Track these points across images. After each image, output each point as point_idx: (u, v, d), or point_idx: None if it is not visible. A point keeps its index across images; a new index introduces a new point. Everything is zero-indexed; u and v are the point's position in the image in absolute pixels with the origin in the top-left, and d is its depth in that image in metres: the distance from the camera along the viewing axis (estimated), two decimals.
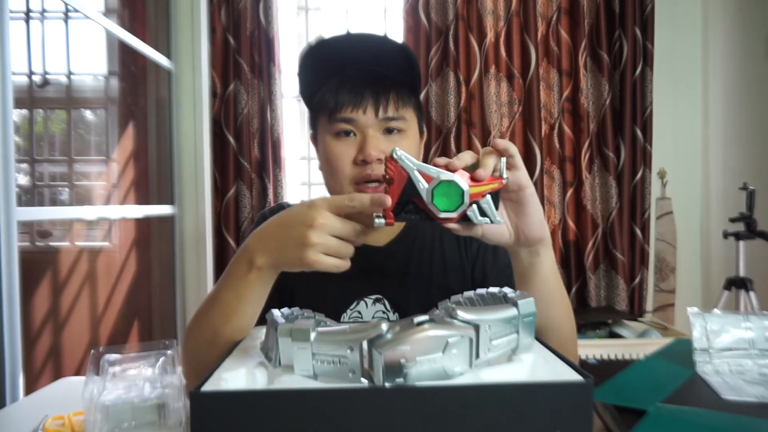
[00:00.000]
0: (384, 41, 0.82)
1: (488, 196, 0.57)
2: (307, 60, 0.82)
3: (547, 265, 0.66)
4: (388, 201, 0.55)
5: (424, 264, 0.86)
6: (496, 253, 0.86)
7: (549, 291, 0.67)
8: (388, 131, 0.79)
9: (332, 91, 0.78)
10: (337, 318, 0.82)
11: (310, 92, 0.85)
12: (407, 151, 0.78)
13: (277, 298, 0.80)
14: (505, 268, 0.83)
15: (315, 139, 0.86)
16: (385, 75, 0.80)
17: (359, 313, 0.83)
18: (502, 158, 0.58)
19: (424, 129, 0.89)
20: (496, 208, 0.58)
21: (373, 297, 0.84)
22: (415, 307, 0.82)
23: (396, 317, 0.83)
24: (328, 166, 0.80)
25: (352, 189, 0.78)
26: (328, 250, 0.59)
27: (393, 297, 0.83)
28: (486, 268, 0.86)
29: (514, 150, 0.59)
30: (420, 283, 0.85)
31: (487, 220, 0.57)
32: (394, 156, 0.55)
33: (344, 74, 0.80)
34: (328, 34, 0.82)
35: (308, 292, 0.82)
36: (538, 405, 0.41)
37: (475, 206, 0.56)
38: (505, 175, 0.58)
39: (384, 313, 0.83)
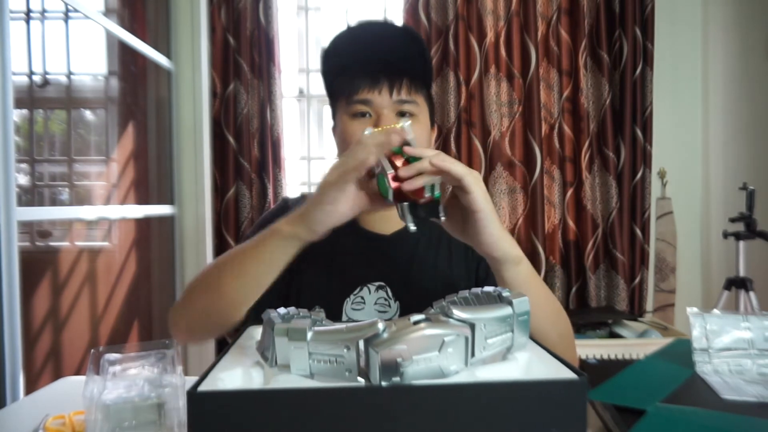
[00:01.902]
0: (401, 34, 0.88)
1: (406, 204, 0.62)
2: (329, 51, 0.88)
3: (518, 281, 0.67)
4: (396, 139, 0.62)
5: (429, 256, 0.88)
6: None
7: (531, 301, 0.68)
8: (401, 114, 0.84)
9: (350, 77, 0.84)
10: (340, 302, 0.84)
11: (331, 81, 0.90)
12: (418, 136, 0.82)
13: (287, 279, 0.83)
14: None
15: (335, 129, 0.91)
16: (400, 64, 0.84)
17: (362, 298, 0.85)
18: (436, 176, 0.62)
19: (435, 123, 0.93)
20: (436, 216, 0.62)
21: (377, 284, 0.85)
22: (416, 296, 0.84)
23: (397, 305, 0.85)
24: (344, 145, 0.84)
25: None
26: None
27: (395, 285, 0.85)
28: (489, 267, 0.86)
29: (459, 172, 0.62)
30: (423, 273, 0.87)
31: (408, 220, 0.62)
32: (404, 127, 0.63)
33: (363, 62, 0.85)
34: (350, 24, 0.90)
35: (314, 275, 0.85)
36: (533, 403, 0.41)
37: (405, 205, 0.61)
38: (434, 193, 0.62)
39: (386, 300, 0.85)
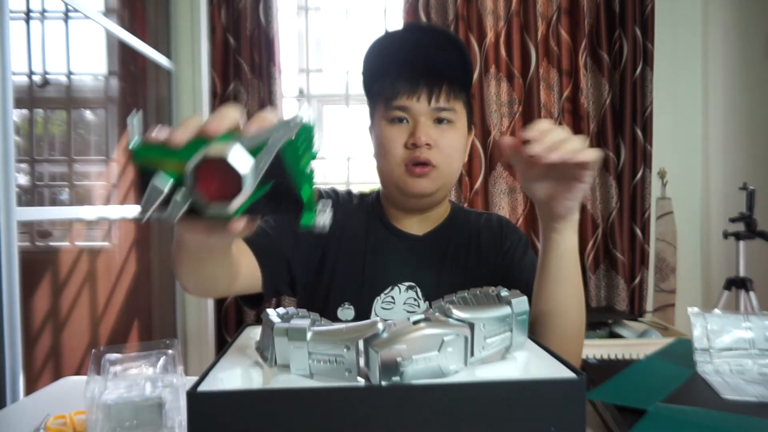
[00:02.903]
0: (442, 38, 0.87)
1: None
2: (371, 53, 0.88)
3: (565, 245, 0.69)
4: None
5: (460, 257, 0.89)
6: (525, 252, 0.90)
7: (563, 271, 0.70)
8: (439, 121, 0.83)
9: (390, 81, 0.84)
10: (371, 300, 0.85)
11: (370, 83, 0.90)
12: (454, 142, 0.84)
13: (315, 281, 0.86)
14: (528, 268, 0.86)
15: (371, 130, 0.91)
16: (440, 70, 0.84)
17: (392, 298, 0.86)
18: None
19: (473, 127, 0.94)
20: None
21: (407, 284, 0.86)
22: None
23: (426, 305, 0.85)
24: (381, 150, 0.85)
25: (401, 170, 0.83)
26: None
27: (425, 286, 0.86)
28: (512, 263, 0.88)
29: (589, 158, 0.59)
30: (454, 274, 0.87)
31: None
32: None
33: (403, 67, 0.85)
34: (392, 28, 0.88)
35: (345, 273, 0.86)
36: (531, 402, 0.41)
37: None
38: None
39: (415, 300, 0.86)
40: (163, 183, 0.37)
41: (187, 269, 0.65)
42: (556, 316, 0.71)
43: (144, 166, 0.38)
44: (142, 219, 0.39)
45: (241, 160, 0.36)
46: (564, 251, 0.69)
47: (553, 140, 0.59)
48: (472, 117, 0.92)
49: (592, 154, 0.60)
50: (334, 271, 0.87)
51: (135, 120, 0.38)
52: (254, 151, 0.38)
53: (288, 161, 0.38)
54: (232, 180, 0.36)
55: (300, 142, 0.39)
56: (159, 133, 0.39)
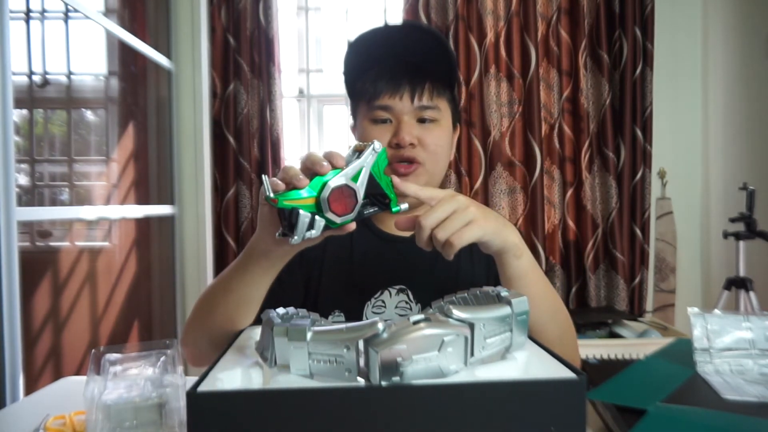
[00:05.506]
0: (425, 34, 0.85)
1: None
2: (352, 51, 0.87)
3: (519, 273, 0.68)
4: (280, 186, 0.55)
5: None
6: None
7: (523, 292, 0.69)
8: (422, 120, 0.83)
9: (372, 80, 0.83)
10: (361, 305, 0.84)
11: (352, 81, 0.89)
12: (439, 140, 0.84)
13: (304, 287, 0.85)
14: None
15: (354, 129, 0.90)
16: (423, 67, 0.83)
17: (383, 302, 0.84)
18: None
19: (458, 125, 0.92)
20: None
21: (398, 287, 0.85)
22: (438, 299, 0.83)
23: (418, 308, 0.84)
24: None
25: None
26: None
27: (417, 288, 0.85)
28: None
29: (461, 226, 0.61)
30: (446, 276, 0.86)
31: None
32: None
33: (385, 65, 0.84)
34: (372, 26, 0.86)
35: (333, 280, 0.85)
36: (532, 402, 0.41)
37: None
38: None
39: (407, 303, 0.85)
40: (308, 212, 0.54)
41: (224, 297, 0.68)
42: (534, 333, 0.70)
43: (283, 207, 0.53)
44: (298, 241, 0.54)
45: (352, 183, 0.55)
46: (517, 276, 0.68)
47: (425, 232, 0.61)
48: (458, 115, 0.90)
49: (468, 234, 0.61)
50: (321, 281, 0.85)
51: (266, 178, 0.54)
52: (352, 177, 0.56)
53: (375, 174, 0.57)
54: (347, 197, 0.55)
55: (380, 161, 0.58)
56: (279, 184, 0.54)
